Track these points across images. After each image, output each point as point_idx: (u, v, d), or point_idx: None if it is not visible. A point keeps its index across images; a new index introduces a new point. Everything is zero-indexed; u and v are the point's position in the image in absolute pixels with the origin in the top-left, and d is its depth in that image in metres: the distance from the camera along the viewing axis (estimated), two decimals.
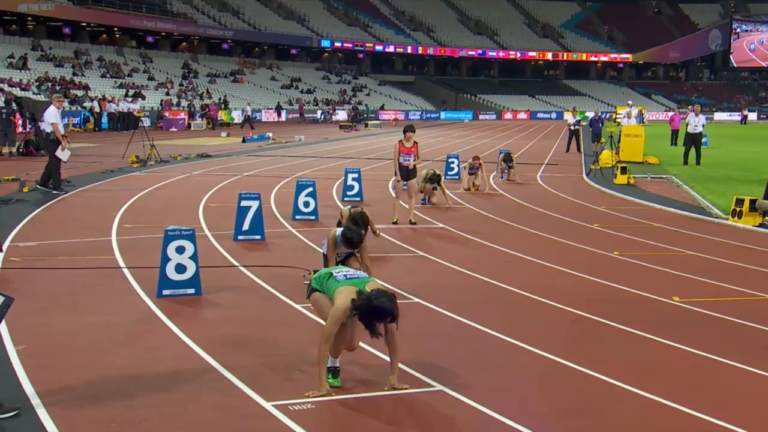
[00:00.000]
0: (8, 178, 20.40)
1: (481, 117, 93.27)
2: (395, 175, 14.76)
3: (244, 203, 12.74)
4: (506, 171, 23.32)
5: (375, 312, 6.02)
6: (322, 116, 74.25)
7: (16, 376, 6.40)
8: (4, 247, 11.24)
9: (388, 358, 6.43)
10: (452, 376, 6.60)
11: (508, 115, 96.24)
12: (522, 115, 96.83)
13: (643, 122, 71.11)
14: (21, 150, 28.69)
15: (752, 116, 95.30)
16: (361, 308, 6.05)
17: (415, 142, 14.66)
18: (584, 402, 6.21)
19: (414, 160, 14.61)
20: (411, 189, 14.86)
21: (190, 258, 9.09)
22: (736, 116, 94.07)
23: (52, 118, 18.33)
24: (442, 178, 18.26)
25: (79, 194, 18.42)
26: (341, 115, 70.73)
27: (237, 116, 63.86)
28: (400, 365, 6.46)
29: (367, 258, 9.19)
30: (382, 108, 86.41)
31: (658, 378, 6.75)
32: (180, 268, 9.07)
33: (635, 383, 6.54)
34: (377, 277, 9.75)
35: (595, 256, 12.31)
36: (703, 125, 29.81)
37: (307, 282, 9.77)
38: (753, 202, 15.39)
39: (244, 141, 39.61)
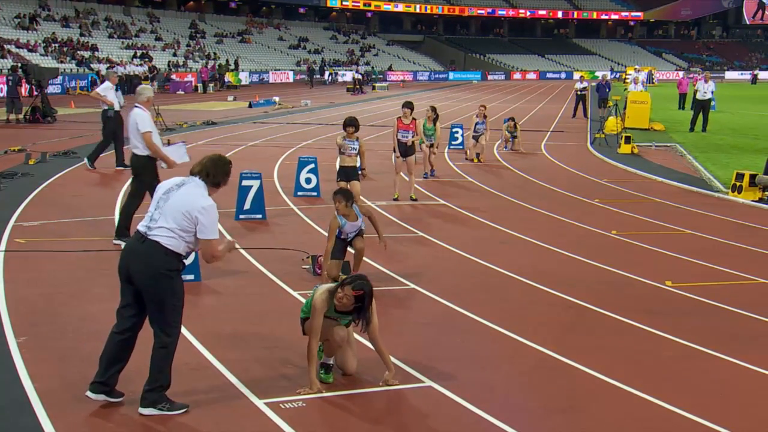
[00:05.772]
0: (14, 149, 20.55)
1: (489, 77, 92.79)
2: (394, 151, 14.87)
3: (245, 182, 12.87)
4: (510, 140, 23.32)
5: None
6: (330, 78, 73.93)
7: (16, 370, 6.59)
8: None
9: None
10: (441, 371, 6.76)
11: (517, 75, 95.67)
12: (531, 75, 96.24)
13: (653, 83, 70.90)
14: (28, 117, 28.84)
15: (764, 75, 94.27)
16: (364, 287, 6.25)
17: (414, 119, 14.76)
18: (569, 399, 6.37)
19: (413, 137, 14.71)
20: (410, 165, 14.96)
21: None
22: (748, 75, 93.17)
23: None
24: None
25: (84, 167, 18.54)
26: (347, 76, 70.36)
27: (244, 78, 63.68)
28: (392, 359, 6.63)
29: (378, 223, 9.37)
30: (390, 69, 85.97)
31: (643, 372, 6.90)
32: None
33: (621, 378, 6.69)
34: (376, 262, 9.98)
35: (592, 236, 12.42)
36: (713, 92, 29.69)
37: (306, 266, 10.01)
38: (753, 177, 15.44)
39: (250, 106, 39.61)
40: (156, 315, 5.79)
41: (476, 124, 20.63)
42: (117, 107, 18.37)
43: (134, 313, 5.87)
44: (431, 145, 17.36)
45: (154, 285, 5.70)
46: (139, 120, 10.88)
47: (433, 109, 17.34)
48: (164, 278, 5.71)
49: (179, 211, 5.68)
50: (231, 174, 6.03)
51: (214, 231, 5.76)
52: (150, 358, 5.85)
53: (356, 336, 7.09)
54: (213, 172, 5.85)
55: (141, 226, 5.81)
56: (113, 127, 18.36)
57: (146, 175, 11.00)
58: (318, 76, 72.95)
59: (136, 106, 11.13)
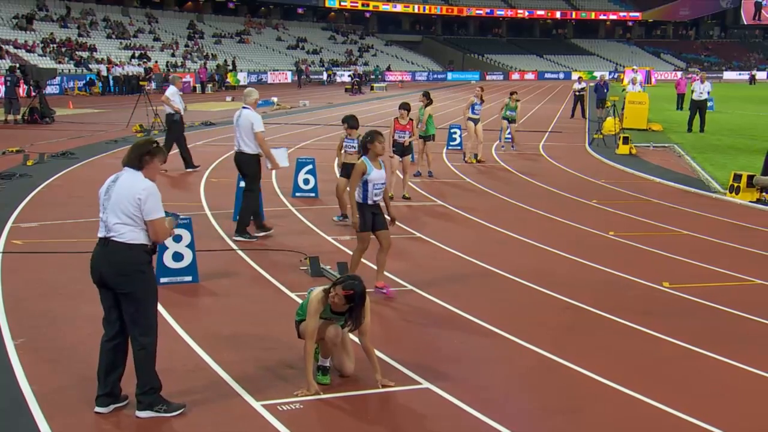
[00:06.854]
0: (13, 150, 20.54)
1: (488, 77, 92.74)
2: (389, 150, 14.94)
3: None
4: (509, 133, 23.44)
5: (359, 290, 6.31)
6: (328, 78, 73.94)
7: (13, 372, 6.60)
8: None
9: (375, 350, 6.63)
10: (439, 373, 6.76)
11: (515, 76, 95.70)
12: (529, 76, 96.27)
13: (651, 82, 70.91)
14: (26, 118, 28.85)
15: (761, 75, 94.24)
16: (355, 287, 6.27)
17: (410, 120, 14.89)
18: (567, 400, 6.37)
19: (409, 137, 14.81)
20: (405, 164, 15.05)
21: (187, 246, 9.26)
22: (746, 75, 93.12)
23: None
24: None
25: (82, 168, 18.56)
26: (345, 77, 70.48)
27: (242, 78, 63.67)
28: (389, 360, 6.66)
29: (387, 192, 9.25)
30: (388, 69, 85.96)
31: (641, 373, 6.90)
32: (177, 256, 9.24)
33: (618, 379, 6.70)
34: (372, 262, 9.96)
35: (590, 237, 12.42)
36: (708, 92, 29.71)
37: (303, 268, 10.01)
38: (750, 177, 15.46)
39: None
40: (133, 315, 5.82)
41: (474, 104, 20.65)
42: (182, 112, 18.43)
43: (118, 315, 5.91)
44: (424, 139, 17.32)
45: (127, 283, 5.76)
46: (254, 120, 11.50)
47: (426, 94, 17.37)
48: (136, 274, 5.80)
49: (123, 202, 5.78)
50: (156, 152, 5.96)
51: (158, 210, 5.85)
52: (134, 363, 5.86)
53: (352, 337, 7.10)
54: (133, 155, 5.92)
55: (100, 233, 5.90)
56: (180, 130, 18.45)
57: (251, 169, 11.66)
58: (322, 77, 73.12)
59: (245, 108, 11.69)
